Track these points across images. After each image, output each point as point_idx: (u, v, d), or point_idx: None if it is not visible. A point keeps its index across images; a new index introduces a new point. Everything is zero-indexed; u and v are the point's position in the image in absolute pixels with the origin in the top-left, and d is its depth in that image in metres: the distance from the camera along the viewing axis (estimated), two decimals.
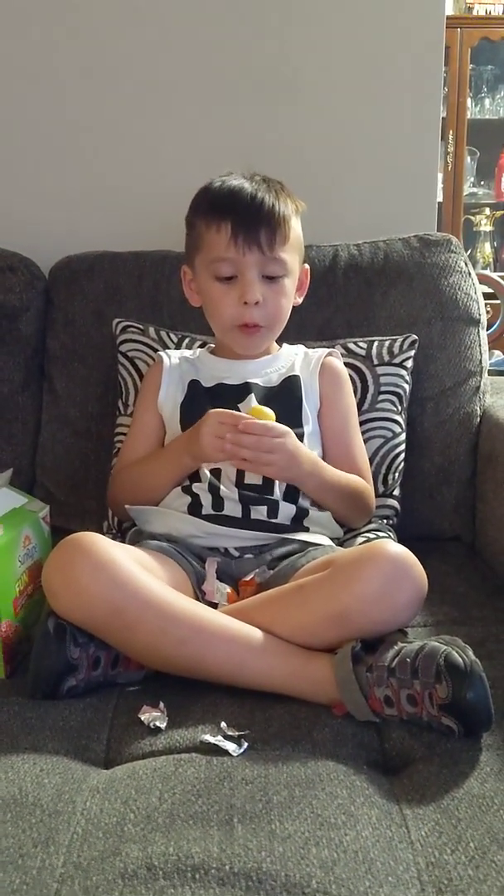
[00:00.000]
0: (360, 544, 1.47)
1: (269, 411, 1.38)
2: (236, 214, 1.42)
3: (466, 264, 1.83)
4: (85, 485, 1.75)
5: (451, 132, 4.18)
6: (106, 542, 1.16)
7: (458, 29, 4.16)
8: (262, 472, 1.37)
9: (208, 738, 1.01)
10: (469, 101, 4.28)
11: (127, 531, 1.50)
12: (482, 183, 4.49)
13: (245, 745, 1.01)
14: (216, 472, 1.43)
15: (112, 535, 1.58)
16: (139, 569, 1.15)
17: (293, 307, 1.52)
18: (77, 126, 1.97)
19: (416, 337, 1.71)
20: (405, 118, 1.97)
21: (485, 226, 4.43)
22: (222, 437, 1.33)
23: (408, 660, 1.05)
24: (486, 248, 4.46)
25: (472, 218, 4.42)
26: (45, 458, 1.80)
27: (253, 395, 1.47)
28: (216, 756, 0.99)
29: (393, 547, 1.15)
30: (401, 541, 1.60)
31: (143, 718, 1.07)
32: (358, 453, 1.54)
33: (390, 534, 1.58)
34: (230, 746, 1.00)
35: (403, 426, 1.68)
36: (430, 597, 1.17)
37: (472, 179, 4.45)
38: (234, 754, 0.99)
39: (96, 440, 1.76)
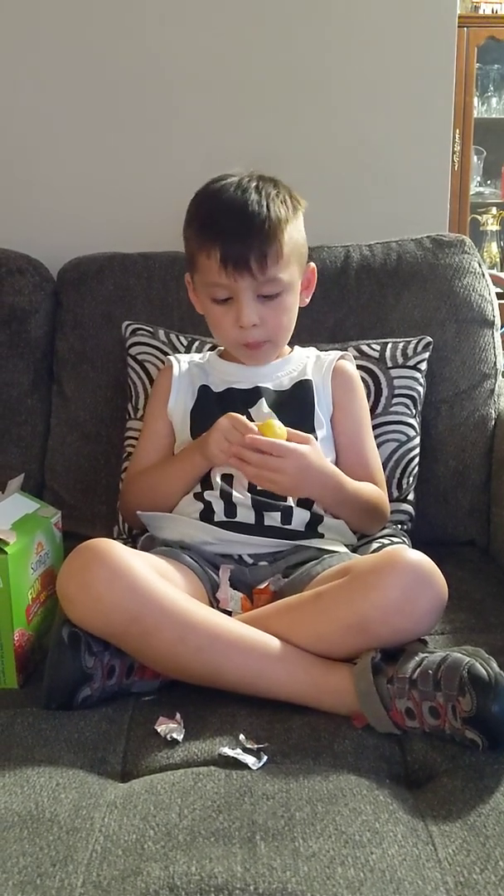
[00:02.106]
0: (374, 550, 1.46)
1: (281, 429, 1.34)
2: (224, 239, 1.36)
3: (480, 265, 1.81)
4: (95, 489, 1.73)
5: (457, 131, 4.15)
6: (122, 548, 1.14)
7: (465, 28, 4.14)
8: (266, 487, 1.35)
9: (227, 751, 0.99)
10: (475, 100, 4.25)
11: (138, 537, 1.48)
12: (489, 182, 4.46)
13: (264, 758, 0.99)
14: (228, 479, 1.41)
15: (123, 541, 1.54)
16: (156, 576, 1.14)
17: (303, 308, 1.50)
18: (85, 127, 1.95)
19: (431, 339, 1.69)
20: (416, 118, 1.96)
21: (491, 225, 4.41)
22: (230, 442, 1.31)
23: (430, 671, 1.03)
24: (493, 248, 4.43)
25: (478, 217, 4.39)
26: (55, 461, 1.78)
27: (263, 399, 1.45)
28: (235, 770, 0.97)
29: (412, 554, 1.13)
30: (414, 546, 1.59)
31: (159, 730, 1.05)
32: (371, 458, 1.51)
33: (405, 539, 1.56)
34: (249, 760, 0.98)
35: (418, 430, 1.66)
36: (447, 603, 1.15)
37: (479, 179, 4.42)
38: (254, 768, 0.97)
39: (106, 444, 1.74)
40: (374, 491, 1.47)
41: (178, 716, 1.08)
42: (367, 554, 1.43)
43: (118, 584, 1.09)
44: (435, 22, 1.92)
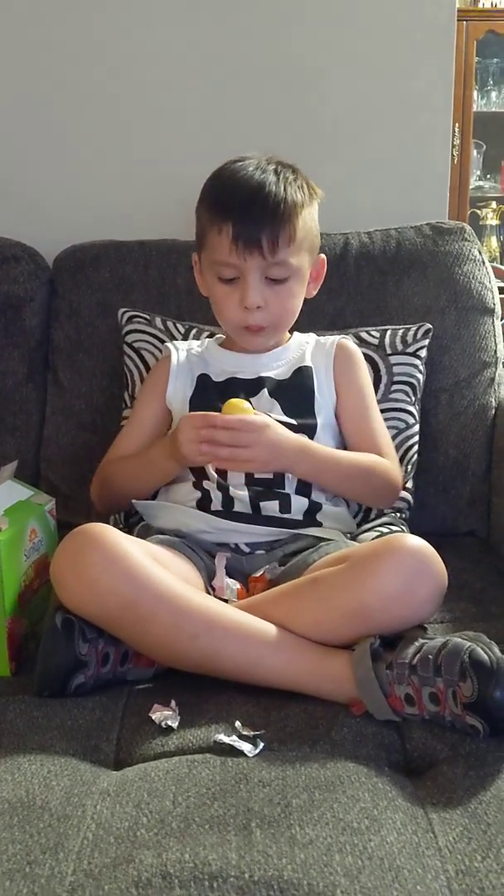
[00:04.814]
0: (373, 539, 1.43)
1: (247, 404, 1.33)
2: (237, 216, 1.34)
3: (480, 253, 1.79)
4: (89, 480, 1.70)
5: (456, 125, 4.12)
6: (117, 533, 1.12)
7: (464, 21, 4.11)
8: (244, 468, 1.33)
9: (223, 738, 0.97)
10: (475, 93, 4.23)
11: (134, 526, 1.46)
12: (488, 176, 4.44)
13: (261, 745, 0.97)
14: (223, 472, 1.38)
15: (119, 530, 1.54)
16: (151, 561, 1.11)
17: (306, 298, 1.48)
18: (81, 112, 1.93)
19: (430, 326, 1.67)
20: (416, 112, 1.94)
21: (491, 220, 4.38)
22: (197, 442, 1.29)
23: (430, 657, 1.01)
24: (493, 242, 4.40)
25: (478, 212, 4.36)
26: (50, 451, 1.76)
27: (266, 390, 1.43)
28: (231, 757, 0.95)
29: (412, 540, 1.11)
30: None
31: (154, 718, 1.03)
32: (377, 430, 1.48)
33: (403, 527, 1.55)
34: (245, 747, 0.96)
35: (417, 417, 1.64)
36: (447, 593, 1.13)
37: (479, 173, 4.39)
38: (250, 755, 0.95)
39: (102, 433, 1.71)
40: (376, 460, 1.43)
41: (173, 703, 1.06)
42: (366, 541, 1.42)
43: (113, 569, 1.07)
44: (434, 15, 1.90)
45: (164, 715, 1.03)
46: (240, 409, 1.32)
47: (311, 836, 0.81)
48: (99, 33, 1.90)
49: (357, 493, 1.46)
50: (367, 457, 1.43)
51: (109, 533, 1.11)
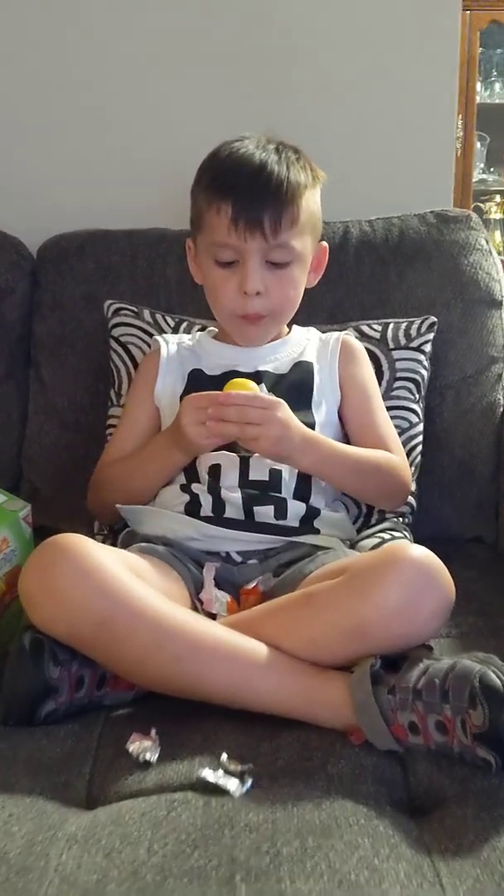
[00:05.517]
0: (374, 546, 1.35)
1: (252, 384, 1.26)
2: (238, 194, 1.27)
3: (487, 242, 1.72)
4: (75, 481, 1.60)
5: (459, 117, 4.05)
6: (92, 544, 1.02)
7: (468, 11, 4.03)
8: (251, 447, 1.24)
9: (207, 775, 0.87)
10: (478, 85, 4.15)
11: (119, 532, 1.37)
12: (492, 169, 4.36)
13: (249, 781, 0.87)
14: (215, 472, 1.29)
15: (103, 537, 1.46)
16: (130, 575, 1.02)
17: (306, 288, 1.39)
18: (65, 94, 1.84)
19: (435, 319, 1.58)
20: (419, 104, 1.85)
21: (495, 213, 4.30)
22: (203, 422, 1.21)
23: (436, 680, 0.92)
24: (497, 237, 4.31)
25: (481, 205, 4.29)
26: (32, 451, 1.67)
27: (264, 384, 1.34)
28: (215, 796, 0.85)
29: (415, 550, 1.01)
30: (417, 541, 1.49)
31: (130, 750, 0.93)
32: (382, 425, 1.40)
33: (406, 533, 1.46)
34: (232, 785, 0.86)
35: (421, 416, 1.55)
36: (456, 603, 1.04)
37: (482, 166, 4.32)
38: (236, 795, 0.85)
39: (86, 433, 1.63)
40: (386, 456, 1.35)
41: (153, 732, 0.96)
42: (366, 549, 1.34)
43: (86, 583, 0.98)
44: (437, 5, 1.82)
45: (142, 746, 0.93)
46: (245, 388, 1.24)
47: (303, 891, 0.72)
48: (82, 20, 1.81)
49: (365, 490, 1.37)
50: (376, 452, 1.35)
51: (82, 544, 1.01)
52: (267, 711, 0.99)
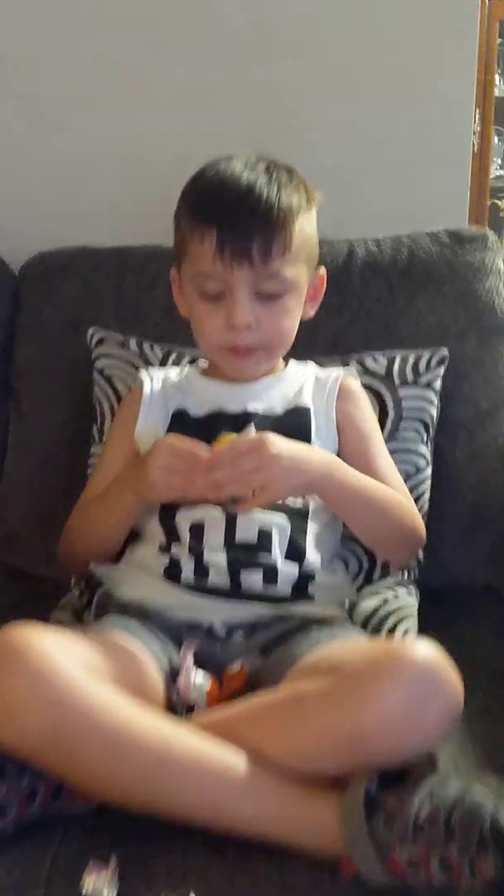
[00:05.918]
0: (375, 609, 1.25)
1: (232, 434, 1.14)
2: (223, 220, 1.15)
3: None
4: (53, 523, 1.46)
5: (477, 111, 3.93)
6: (45, 640, 0.90)
7: (486, 1, 3.92)
8: (266, 498, 1.10)
9: None
10: (496, 77, 4.03)
11: (96, 588, 1.25)
12: None
13: None
14: (197, 532, 1.17)
15: (80, 591, 1.33)
16: (86, 676, 0.90)
17: (302, 319, 1.27)
18: (51, 96, 1.72)
19: (447, 352, 1.46)
20: (434, 94, 1.72)
21: None
22: (176, 472, 1.09)
23: (441, 813, 0.80)
24: None
25: (498, 203, 4.18)
26: (8, 490, 1.56)
27: (253, 426, 1.21)
28: None
29: (419, 652, 0.89)
30: (425, 592, 1.38)
31: (84, 891, 0.80)
32: (384, 469, 1.27)
33: (412, 588, 1.35)
34: None
35: (429, 459, 1.43)
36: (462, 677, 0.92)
37: (500, 161, 4.20)
38: None
39: (67, 471, 1.51)
40: (394, 493, 1.23)
41: (112, 860, 0.84)
42: (367, 611, 1.25)
43: (36, 691, 0.86)
44: None
45: (97, 886, 0.80)
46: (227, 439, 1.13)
47: None
48: (71, 20, 1.70)
49: (385, 530, 1.23)
50: (393, 492, 1.23)
51: (34, 642, 0.89)
52: (245, 835, 0.87)
